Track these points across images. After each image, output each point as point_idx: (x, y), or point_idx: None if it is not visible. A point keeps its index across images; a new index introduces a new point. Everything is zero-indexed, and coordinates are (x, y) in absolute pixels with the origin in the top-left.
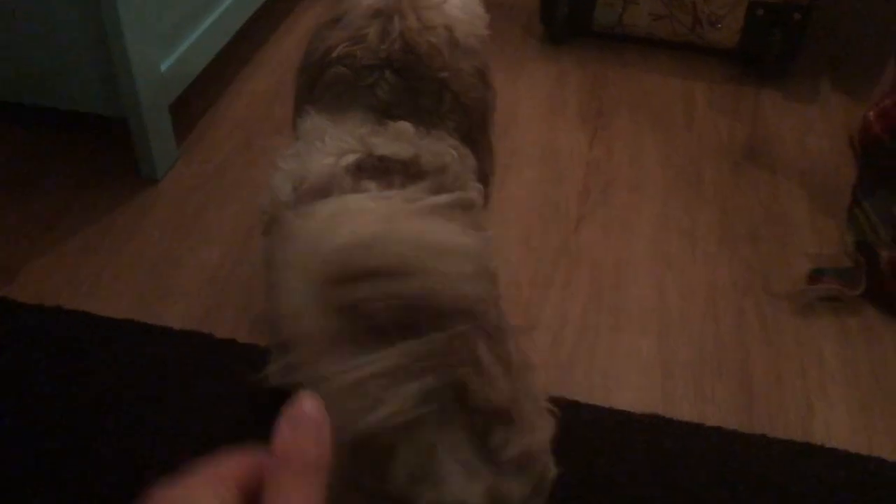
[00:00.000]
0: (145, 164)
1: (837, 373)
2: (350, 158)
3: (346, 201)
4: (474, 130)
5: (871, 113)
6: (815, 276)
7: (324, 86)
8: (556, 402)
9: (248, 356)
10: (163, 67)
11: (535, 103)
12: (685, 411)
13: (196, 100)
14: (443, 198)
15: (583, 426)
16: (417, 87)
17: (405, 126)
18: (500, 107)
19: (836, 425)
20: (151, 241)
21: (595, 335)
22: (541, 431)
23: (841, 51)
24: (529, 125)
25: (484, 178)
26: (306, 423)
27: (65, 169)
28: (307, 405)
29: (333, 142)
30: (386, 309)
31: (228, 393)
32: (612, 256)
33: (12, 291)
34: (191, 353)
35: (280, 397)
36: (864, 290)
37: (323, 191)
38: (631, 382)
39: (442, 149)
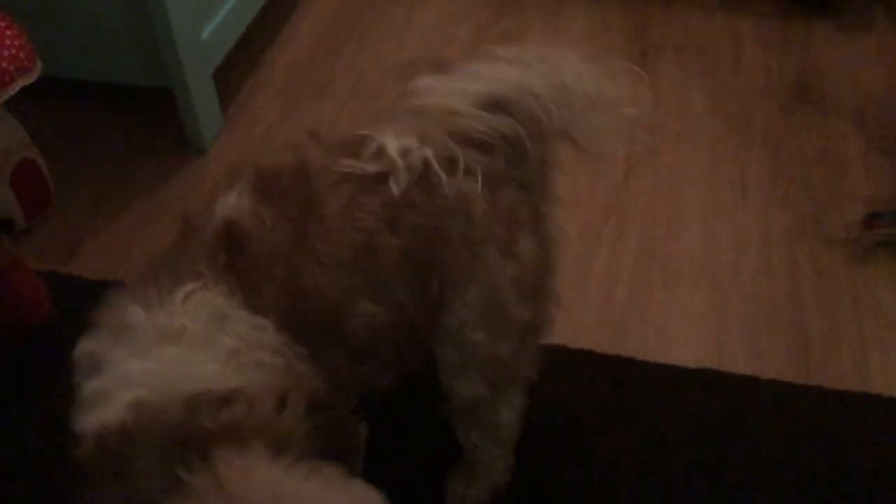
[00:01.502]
0: (193, 134)
1: (895, 321)
2: None
3: None
4: None
5: None
6: (871, 219)
7: None
8: (611, 359)
9: None
10: (204, 35)
11: (576, 48)
12: (741, 365)
13: (236, 67)
14: None
15: (639, 383)
16: None
17: None
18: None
19: (893, 374)
20: None
21: (647, 291)
22: None
23: None
24: None
25: None
26: None
27: (114, 142)
28: None
29: None
30: None
31: None
32: (662, 209)
33: (75, 267)
34: None
35: None
36: None
37: None
38: (685, 338)
39: None
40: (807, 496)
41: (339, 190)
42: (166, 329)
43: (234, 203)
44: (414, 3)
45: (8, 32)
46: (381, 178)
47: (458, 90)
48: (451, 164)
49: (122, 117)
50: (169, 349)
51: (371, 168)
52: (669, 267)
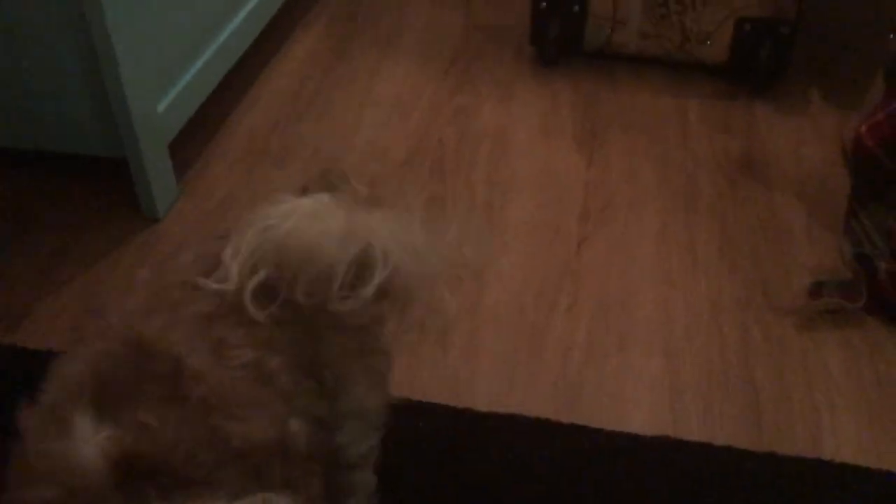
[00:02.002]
0: (146, 203)
1: (844, 386)
2: None
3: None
4: None
5: (864, 127)
6: (816, 288)
7: None
8: (567, 428)
9: None
10: (160, 107)
11: (529, 125)
12: (695, 431)
13: (194, 135)
14: None
15: (593, 451)
16: None
17: None
18: (494, 131)
19: (844, 440)
20: None
21: (602, 357)
22: None
23: (830, 62)
24: (525, 148)
25: None
26: None
27: (65, 210)
28: None
29: None
30: None
31: None
32: (616, 276)
33: (19, 338)
34: None
35: None
36: (865, 302)
37: None
38: (640, 404)
39: None
40: None
41: (195, 345)
42: None
43: (93, 437)
44: (373, 77)
45: None
46: (236, 306)
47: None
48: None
49: (75, 185)
50: None
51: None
52: (623, 333)
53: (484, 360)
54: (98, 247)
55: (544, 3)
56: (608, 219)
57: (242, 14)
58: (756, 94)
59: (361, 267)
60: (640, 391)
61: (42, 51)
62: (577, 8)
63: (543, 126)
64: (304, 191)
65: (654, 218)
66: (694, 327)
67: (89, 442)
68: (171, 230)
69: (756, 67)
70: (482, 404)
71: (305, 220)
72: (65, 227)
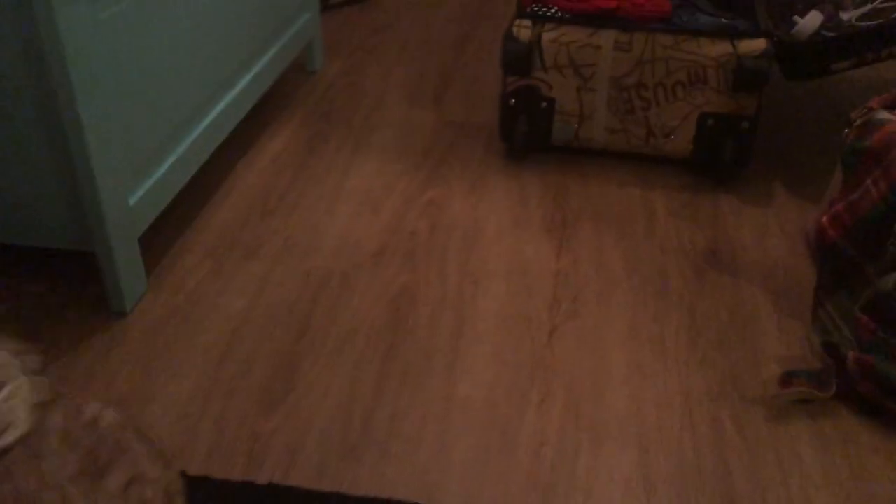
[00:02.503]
0: (114, 297)
1: (818, 478)
2: None
3: None
4: None
5: (825, 218)
6: (787, 378)
7: None
8: None
9: (222, 492)
10: (131, 201)
11: (500, 217)
12: None
13: (165, 227)
14: None
15: None
16: None
17: None
18: (465, 222)
19: None
20: (119, 377)
21: (574, 453)
22: None
23: (791, 153)
24: (496, 240)
25: None
26: None
27: (29, 303)
28: None
29: None
30: None
31: None
32: (587, 368)
33: None
34: None
35: None
36: (836, 392)
37: None
38: (613, 501)
39: None
40: None
41: None
42: None
43: None
44: (345, 172)
45: None
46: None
47: None
48: None
49: (39, 276)
50: None
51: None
52: (596, 427)
53: (455, 458)
54: (62, 342)
55: (513, 101)
56: (578, 309)
57: (218, 109)
58: (721, 186)
59: None
60: (613, 488)
61: (12, 142)
62: (544, 105)
63: (514, 217)
64: None
65: (624, 308)
66: (666, 420)
67: None
68: (137, 325)
69: (719, 161)
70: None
71: None
72: (28, 320)
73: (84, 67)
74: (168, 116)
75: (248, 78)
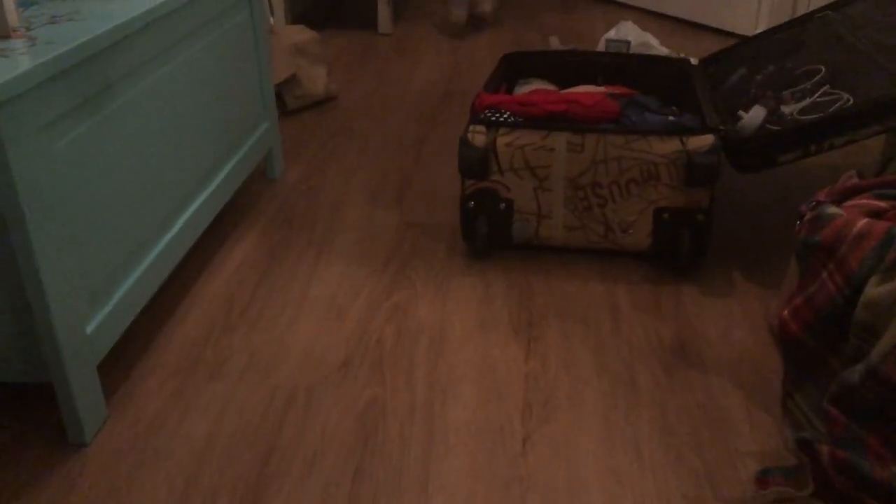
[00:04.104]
0: (72, 428)
1: None
2: None
3: None
4: None
5: (786, 312)
6: (763, 477)
7: None
8: None
9: None
10: (88, 329)
11: (465, 318)
12: None
13: (125, 350)
14: None
15: None
16: None
17: None
18: (431, 326)
19: None
20: None
21: None
22: None
23: (747, 242)
24: (462, 342)
25: None
26: None
27: None
28: None
29: None
30: None
31: None
32: (563, 477)
33: None
34: None
35: None
36: (814, 489)
37: None
38: None
39: None
40: None
41: None
42: None
43: None
44: (309, 279)
45: None
46: None
47: None
48: None
49: None
50: None
51: None
52: None
53: None
54: (18, 477)
55: (472, 203)
56: (550, 415)
57: (176, 228)
58: (681, 278)
59: None
60: None
61: None
62: (502, 206)
63: (480, 318)
64: None
65: (596, 411)
66: None
67: None
68: (98, 457)
69: (678, 252)
70: None
71: None
72: None
73: (35, 196)
74: (124, 240)
75: (206, 193)
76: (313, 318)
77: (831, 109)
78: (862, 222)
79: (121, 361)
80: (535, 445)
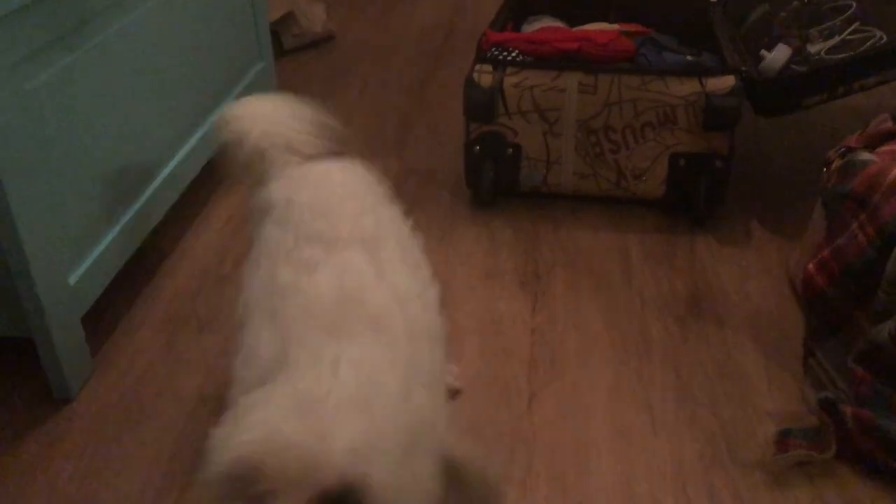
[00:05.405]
0: (57, 383)
1: None
2: None
3: None
4: None
5: (811, 265)
6: (782, 439)
7: None
8: None
9: None
10: (71, 280)
11: (469, 270)
12: None
13: (113, 301)
14: None
15: None
16: None
17: None
18: (438, 277)
19: None
20: (64, 474)
21: None
22: None
23: (766, 190)
24: (467, 294)
25: None
26: None
27: None
28: None
29: None
30: None
31: None
32: (570, 438)
33: None
34: None
35: None
36: (836, 452)
37: None
38: None
39: None
40: None
41: None
42: None
43: None
44: None
45: None
46: None
47: None
48: None
49: None
50: None
51: None
52: (582, 502)
53: None
54: (1, 434)
55: (477, 148)
56: (558, 372)
57: (164, 174)
58: (697, 227)
59: None
60: None
61: None
62: (510, 151)
63: (485, 269)
64: None
65: (605, 368)
66: (658, 490)
67: None
68: (83, 413)
69: (693, 201)
70: None
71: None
72: None
73: (6, 143)
74: (106, 188)
75: (196, 137)
76: None
77: (863, 48)
78: None
79: (108, 314)
80: (541, 404)
